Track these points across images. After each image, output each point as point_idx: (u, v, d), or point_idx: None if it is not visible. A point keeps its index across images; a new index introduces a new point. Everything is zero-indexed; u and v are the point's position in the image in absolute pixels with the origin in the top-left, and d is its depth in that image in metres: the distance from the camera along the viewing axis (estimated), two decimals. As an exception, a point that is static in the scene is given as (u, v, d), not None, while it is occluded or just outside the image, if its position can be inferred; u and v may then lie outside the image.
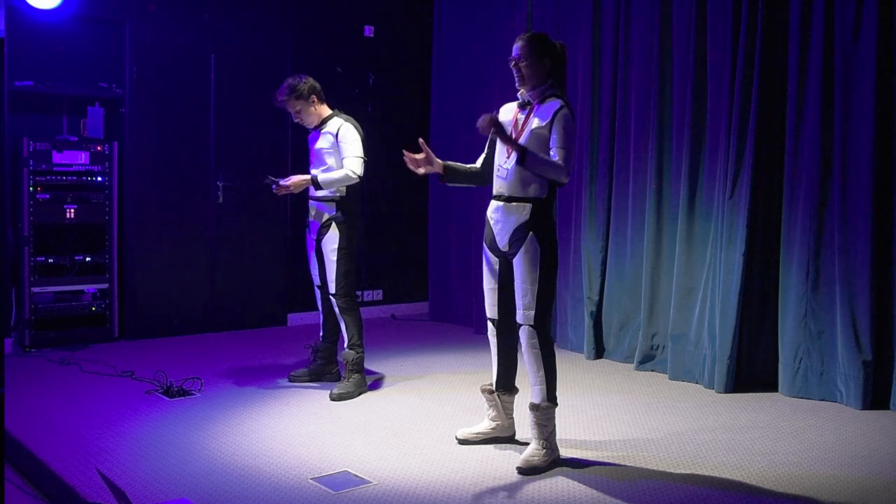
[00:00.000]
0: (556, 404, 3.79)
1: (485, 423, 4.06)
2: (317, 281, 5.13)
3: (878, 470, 3.72)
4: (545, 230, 3.75)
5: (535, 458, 3.68)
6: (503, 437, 4.05)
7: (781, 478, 3.61)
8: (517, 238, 3.74)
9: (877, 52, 4.54)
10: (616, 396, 4.95)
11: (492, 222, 3.85)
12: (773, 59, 4.98)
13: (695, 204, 5.32)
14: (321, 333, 5.20)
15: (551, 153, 3.67)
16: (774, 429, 4.31)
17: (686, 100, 5.33)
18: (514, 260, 3.77)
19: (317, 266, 5.07)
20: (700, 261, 5.29)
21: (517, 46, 3.77)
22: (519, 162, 3.61)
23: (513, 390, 4.06)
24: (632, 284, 5.76)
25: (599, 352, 5.97)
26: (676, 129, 5.44)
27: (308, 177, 4.89)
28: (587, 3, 6.00)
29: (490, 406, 4.05)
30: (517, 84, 3.80)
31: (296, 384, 5.10)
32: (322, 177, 4.85)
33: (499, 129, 3.61)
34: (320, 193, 4.90)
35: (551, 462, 3.72)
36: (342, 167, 4.85)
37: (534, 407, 3.75)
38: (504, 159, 3.79)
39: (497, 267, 3.89)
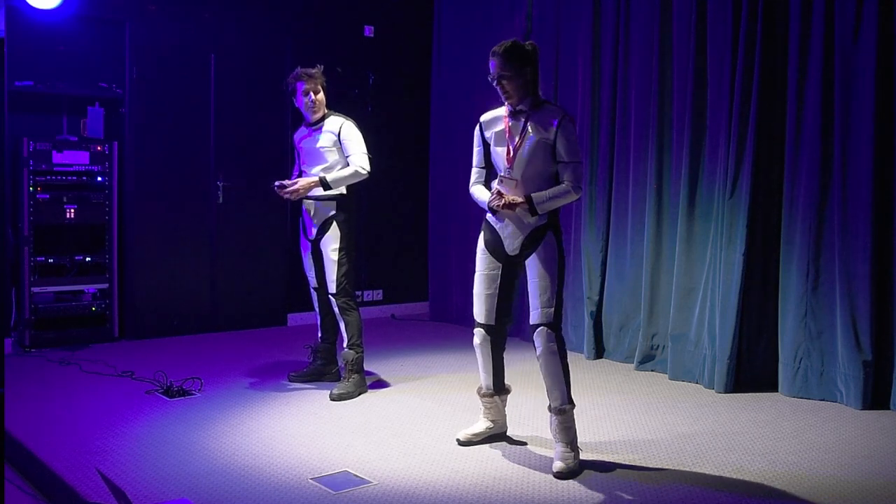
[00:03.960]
0: (574, 405, 3.80)
1: (482, 423, 4.07)
2: (313, 283, 5.09)
3: (878, 470, 3.72)
4: (559, 229, 3.82)
5: (570, 461, 3.67)
6: (499, 433, 4.11)
7: (781, 478, 3.61)
8: (534, 240, 3.74)
9: (877, 52, 4.53)
10: (616, 396, 4.95)
11: (497, 227, 3.83)
12: (773, 59, 4.98)
13: (695, 204, 5.32)
14: (319, 334, 5.18)
15: (560, 168, 3.71)
16: (774, 429, 4.31)
17: (686, 100, 5.33)
18: (529, 261, 3.76)
19: (313, 268, 5.03)
20: (700, 261, 5.29)
21: (493, 62, 3.68)
22: (532, 213, 3.69)
23: (507, 390, 4.12)
24: (632, 284, 5.76)
25: (599, 352, 5.97)
26: (676, 129, 5.44)
27: (315, 178, 4.79)
28: (587, 3, 6.00)
29: (489, 408, 4.07)
30: (503, 99, 3.76)
31: (296, 384, 5.09)
32: (331, 176, 4.78)
33: (506, 207, 3.67)
34: (320, 192, 4.84)
35: (580, 462, 3.72)
36: (345, 165, 4.84)
37: (559, 411, 3.74)
38: (506, 169, 3.77)
39: (498, 272, 3.88)
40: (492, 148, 3.86)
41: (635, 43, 5.71)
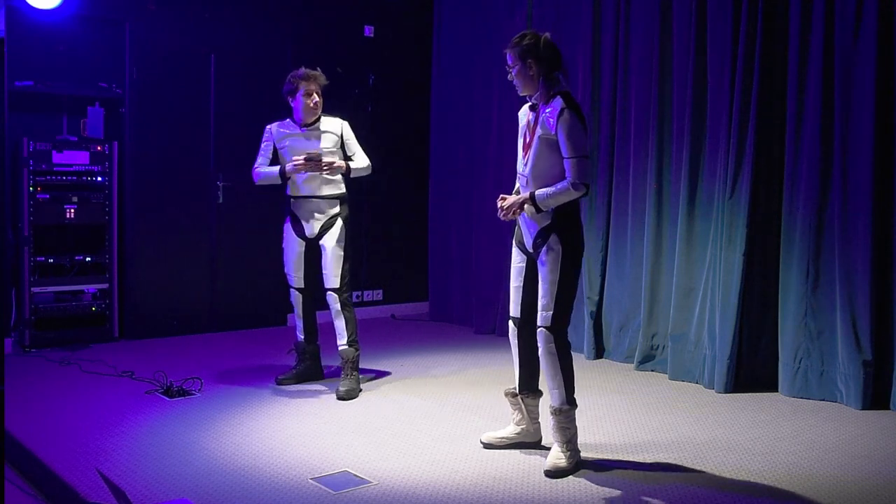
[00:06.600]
0: (576, 406, 3.75)
1: (510, 427, 3.97)
2: (299, 283, 5.07)
3: (878, 470, 3.72)
4: (569, 233, 3.68)
5: (562, 462, 3.63)
6: (529, 442, 3.96)
7: (781, 478, 3.61)
8: (541, 239, 3.69)
9: (877, 52, 4.53)
10: (616, 396, 4.95)
11: (520, 222, 3.81)
12: (773, 59, 4.98)
13: (695, 204, 5.32)
14: (302, 336, 5.16)
15: (564, 163, 3.60)
16: (774, 429, 4.31)
17: (686, 100, 5.33)
18: (538, 260, 3.71)
19: (303, 267, 5.03)
20: (700, 261, 5.29)
21: (507, 55, 3.72)
22: (537, 210, 3.64)
23: (536, 393, 3.95)
24: (632, 284, 5.76)
25: (599, 352, 5.97)
26: (676, 129, 5.44)
27: (344, 164, 4.88)
28: (587, 3, 6.00)
29: (514, 410, 3.95)
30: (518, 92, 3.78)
31: (285, 387, 5.06)
32: (354, 165, 4.92)
33: (513, 208, 3.68)
34: (328, 192, 4.90)
35: (575, 464, 3.68)
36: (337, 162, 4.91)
37: (555, 411, 3.69)
38: (522, 166, 3.75)
39: (523, 265, 3.84)
40: None
41: (635, 43, 5.71)
